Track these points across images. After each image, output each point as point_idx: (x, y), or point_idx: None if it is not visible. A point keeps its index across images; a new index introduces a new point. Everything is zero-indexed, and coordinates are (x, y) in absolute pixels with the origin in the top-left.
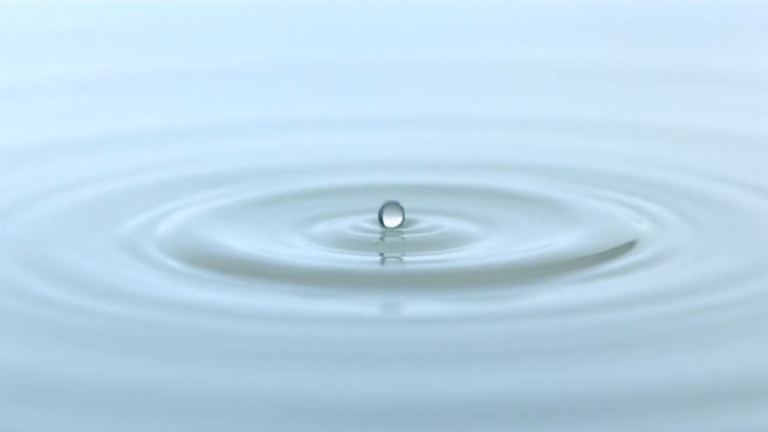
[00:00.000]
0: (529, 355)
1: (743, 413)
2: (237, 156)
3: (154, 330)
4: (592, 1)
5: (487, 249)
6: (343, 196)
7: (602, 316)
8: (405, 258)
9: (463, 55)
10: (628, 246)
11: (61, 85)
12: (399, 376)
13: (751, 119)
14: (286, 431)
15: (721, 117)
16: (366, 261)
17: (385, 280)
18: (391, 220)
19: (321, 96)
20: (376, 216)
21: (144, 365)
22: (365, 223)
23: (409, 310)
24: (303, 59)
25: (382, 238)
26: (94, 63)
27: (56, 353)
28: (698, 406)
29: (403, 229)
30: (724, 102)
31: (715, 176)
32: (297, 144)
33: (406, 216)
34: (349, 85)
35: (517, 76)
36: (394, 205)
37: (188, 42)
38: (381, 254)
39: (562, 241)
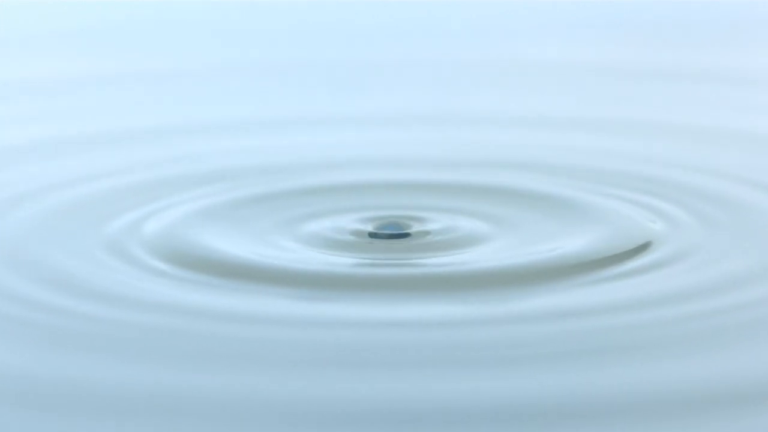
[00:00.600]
0: (537, 359)
1: (755, 417)
2: (233, 154)
3: (145, 333)
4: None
5: (499, 250)
6: (349, 194)
7: (615, 318)
8: (413, 261)
9: (475, 54)
10: (642, 247)
11: (49, 84)
12: (404, 381)
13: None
14: None
15: (738, 116)
16: (384, 263)
17: (392, 283)
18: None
19: (329, 94)
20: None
21: (137, 369)
22: (375, 222)
23: (416, 313)
24: (307, 58)
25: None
26: (82, 62)
27: (47, 356)
28: (712, 410)
29: (414, 230)
30: (741, 101)
31: (728, 176)
32: (307, 141)
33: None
34: (350, 84)
35: (530, 75)
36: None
37: (179, 41)
38: (391, 257)
39: (575, 242)
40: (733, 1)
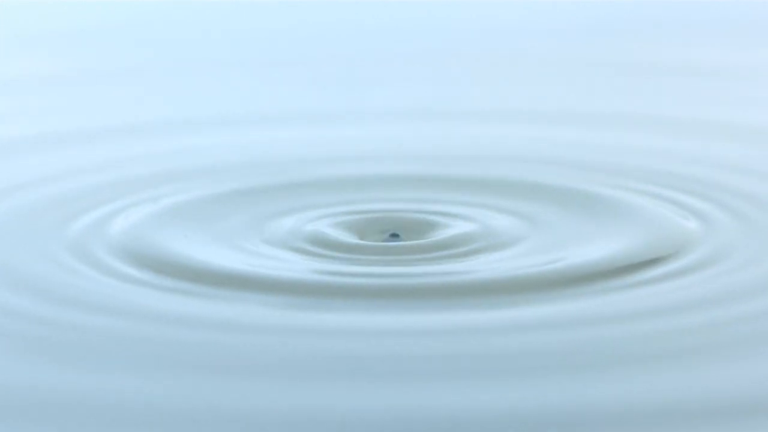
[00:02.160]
0: (558, 369)
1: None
2: (235, 149)
3: (120, 340)
4: None
5: (534, 252)
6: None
7: (644, 325)
8: (431, 264)
9: (481, 51)
10: (677, 247)
11: (18, 83)
12: (405, 392)
13: None
14: None
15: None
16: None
17: (409, 289)
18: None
19: (332, 91)
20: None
21: (113, 377)
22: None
23: (421, 321)
24: (315, 54)
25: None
26: (50, 62)
27: (23, 365)
28: (731, 420)
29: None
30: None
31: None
32: (330, 135)
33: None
34: (358, 81)
35: (543, 71)
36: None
37: (174, 40)
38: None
39: (607, 244)
40: None
